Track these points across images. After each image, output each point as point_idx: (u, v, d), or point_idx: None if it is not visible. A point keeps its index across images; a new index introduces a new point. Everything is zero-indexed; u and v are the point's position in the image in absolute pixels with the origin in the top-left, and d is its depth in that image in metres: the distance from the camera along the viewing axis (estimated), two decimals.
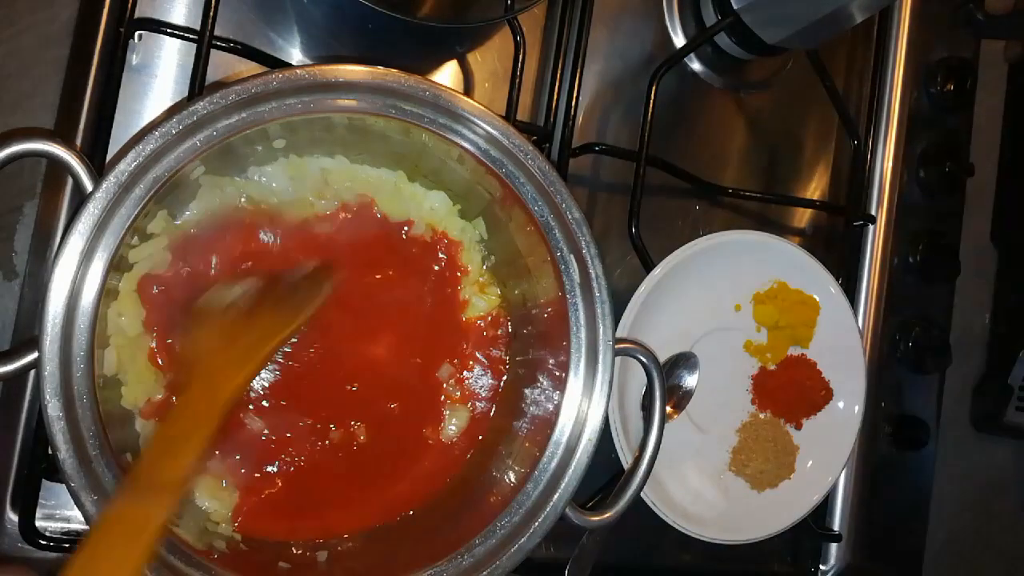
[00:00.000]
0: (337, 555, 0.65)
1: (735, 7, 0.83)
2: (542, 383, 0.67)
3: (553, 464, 0.63)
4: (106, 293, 0.55)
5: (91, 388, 0.54)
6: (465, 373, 0.71)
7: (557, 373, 0.65)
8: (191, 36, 0.67)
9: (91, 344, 0.54)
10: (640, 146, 0.80)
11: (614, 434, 0.75)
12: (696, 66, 0.90)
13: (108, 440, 0.55)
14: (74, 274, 0.53)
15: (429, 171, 0.68)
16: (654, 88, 0.80)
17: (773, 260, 0.83)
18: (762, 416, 0.85)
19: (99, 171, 0.59)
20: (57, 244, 0.58)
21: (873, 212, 0.96)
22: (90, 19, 0.68)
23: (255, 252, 0.65)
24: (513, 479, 0.65)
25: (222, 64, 0.71)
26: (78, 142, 0.67)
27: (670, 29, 0.89)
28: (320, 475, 0.66)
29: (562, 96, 0.78)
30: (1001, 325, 1.06)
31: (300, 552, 0.65)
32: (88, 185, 0.54)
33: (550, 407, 0.65)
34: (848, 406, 0.86)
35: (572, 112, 0.78)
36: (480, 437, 0.71)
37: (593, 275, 0.63)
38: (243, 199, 0.65)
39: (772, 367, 0.85)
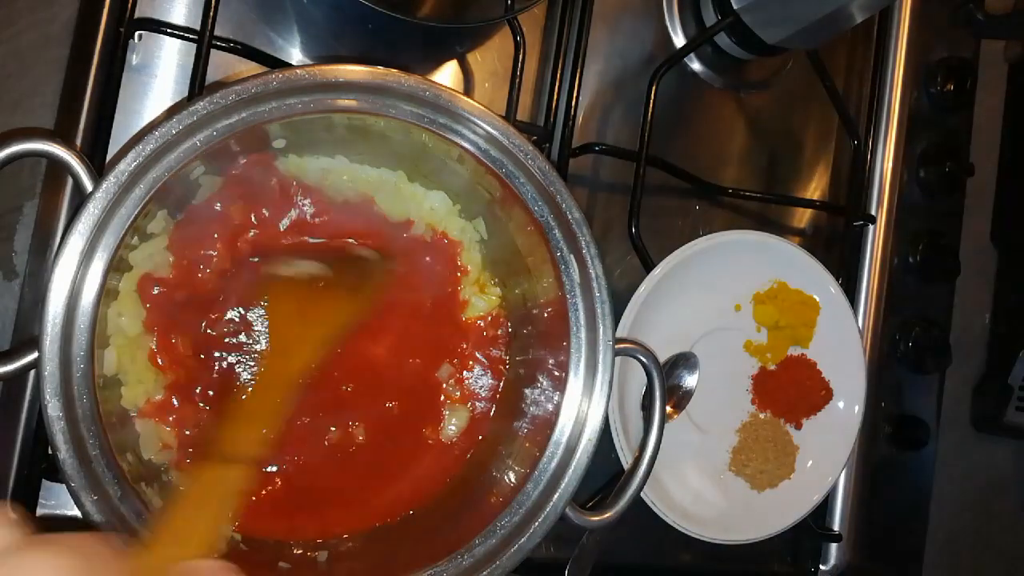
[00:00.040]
0: (337, 555, 0.65)
1: (735, 7, 0.83)
2: (542, 383, 0.67)
3: (553, 464, 0.63)
4: (106, 293, 0.55)
5: (91, 388, 0.54)
6: (465, 373, 0.71)
7: (557, 373, 0.65)
8: (191, 36, 0.67)
9: (91, 344, 0.54)
10: (640, 146, 0.80)
11: (614, 434, 0.75)
12: (696, 66, 0.90)
13: (108, 440, 0.55)
14: (74, 274, 0.53)
15: (429, 171, 0.68)
16: (654, 88, 0.80)
17: (773, 260, 0.83)
18: (762, 416, 0.85)
19: (99, 171, 0.59)
20: (57, 244, 0.58)
21: (873, 212, 0.96)
22: (90, 19, 0.67)
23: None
24: (513, 479, 0.65)
25: (222, 64, 0.71)
26: (78, 142, 0.67)
27: (670, 29, 0.89)
28: (320, 475, 0.66)
29: (562, 96, 0.78)
30: (1001, 325, 1.06)
31: (300, 552, 0.65)
32: (88, 185, 0.54)
33: (550, 407, 0.65)
34: (848, 406, 0.86)
35: (572, 112, 0.78)
36: (480, 437, 0.71)
37: (593, 275, 0.63)
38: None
39: (772, 367, 0.85)
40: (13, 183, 0.66)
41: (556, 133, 0.78)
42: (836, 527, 0.93)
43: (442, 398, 0.70)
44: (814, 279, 0.84)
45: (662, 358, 0.81)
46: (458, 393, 0.70)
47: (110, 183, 0.54)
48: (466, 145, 0.62)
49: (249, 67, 0.71)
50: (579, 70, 0.78)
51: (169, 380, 0.63)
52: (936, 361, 0.97)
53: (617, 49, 0.86)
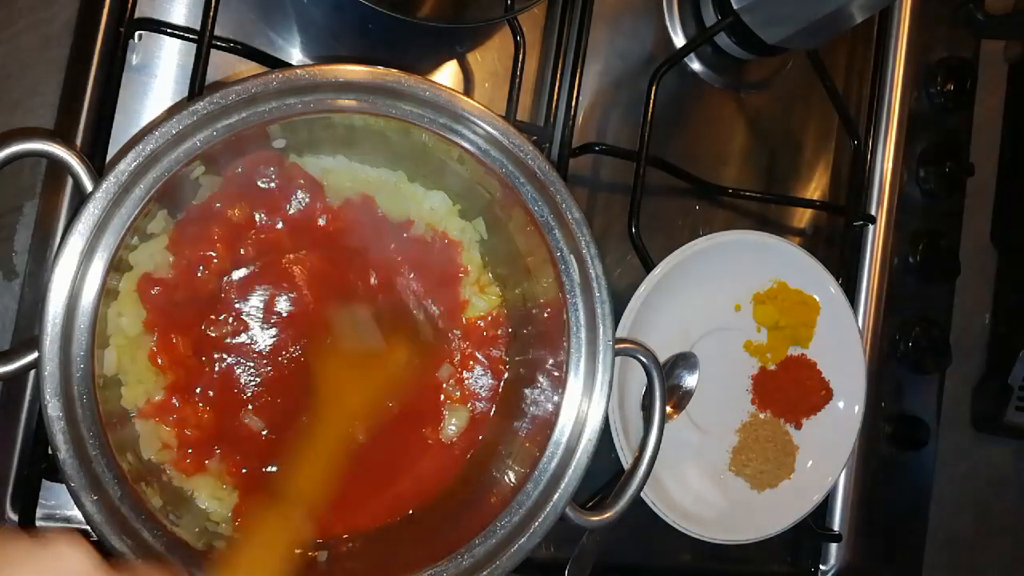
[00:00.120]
0: (337, 555, 0.65)
1: (735, 7, 0.83)
2: (542, 383, 0.67)
3: (553, 464, 0.63)
4: (106, 293, 0.55)
5: (91, 388, 0.54)
6: (465, 373, 0.71)
7: (557, 373, 0.65)
8: (191, 36, 0.67)
9: (91, 344, 0.54)
10: (640, 146, 0.80)
11: (614, 434, 0.75)
12: (696, 66, 0.90)
13: (108, 440, 0.55)
14: (74, 274, 0.53)
15: (429, 171, 0.68)
16: (654, 88, 0.80)
17: (773, 260, 0.83)
18: (762, 416, 0.85)
19: (99, 171, 0.59)
20: (57, 244, 0.59)
21: (873, 212, 0.96)
22: (90, 19, 0.68)
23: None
24: (513, 479, 0.65)
25: (222, 64, 0.71)
26: (78, 142, 0.67)
27: (670, 29, 0.89)
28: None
29: (562, 96, 0.78)
30: (1001, 325, 1.06)
31: (300, 552, 0.65)
32: (88, 185, 0.54)
33: (550, 407, 0.65)
34: (848, 406, 0.86)
35: (572, 112, 0.78)
36: (480, 437, 0.71)
37: (593, 275, 0.63)
38: None
39: (772, 367, 0.85)
40: (13, 183, 0.66)
41: (556, 133, 0.78)
42: (836, 527, 0.93)
43: (442, 398, 0.70)
44: (814, 279, 0.84)
45: (662, 358, 0.81)
46: (458, 393, 0.70)
47: (110, 183, 0.54)
48: (466, 145, 0.62)
49: (249, 67, 0.71)
50: (579, 70, 0.78)
51: (169, 380, 0.63)
52: (936, 361, 0.97)
53: (617, 49, 0.86)
